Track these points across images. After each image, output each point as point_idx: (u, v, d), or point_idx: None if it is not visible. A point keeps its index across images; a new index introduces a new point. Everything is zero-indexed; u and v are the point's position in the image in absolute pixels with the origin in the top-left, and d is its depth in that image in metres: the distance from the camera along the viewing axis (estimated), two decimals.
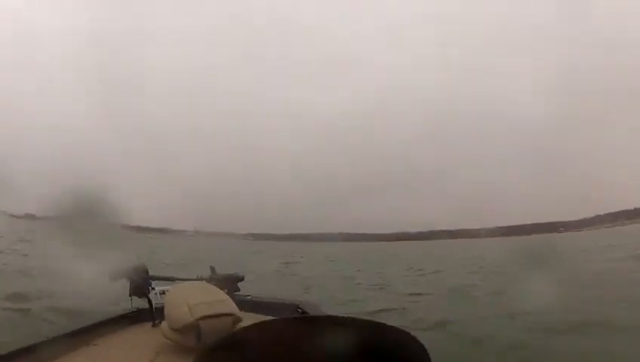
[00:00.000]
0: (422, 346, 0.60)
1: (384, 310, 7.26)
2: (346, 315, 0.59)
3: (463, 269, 15.16)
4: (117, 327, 2.31)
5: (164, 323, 2.02)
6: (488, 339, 5.34)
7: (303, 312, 2.51)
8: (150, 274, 2.66)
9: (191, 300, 1.93)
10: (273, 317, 0.65)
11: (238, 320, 1.90)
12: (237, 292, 2.73)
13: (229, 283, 2.76)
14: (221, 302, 2.00)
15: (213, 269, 2.91)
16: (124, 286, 2.58)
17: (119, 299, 2.71)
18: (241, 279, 2.93)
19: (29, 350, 1.75)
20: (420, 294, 9.37)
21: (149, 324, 2.37)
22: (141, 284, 2.53)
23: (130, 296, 2.53)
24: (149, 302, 2.48)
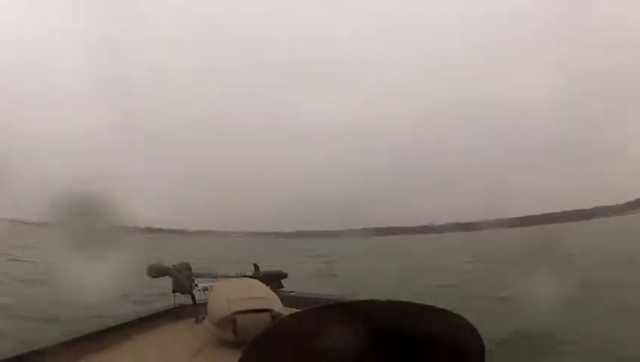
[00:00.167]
0: (475, 330, 0.58)
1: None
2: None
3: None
4: (160, 323, 2.32)
5: (206, 319, 2.03)
6: None
7: None
8: (193, 271, 2.67)
9: (231, 295, 1.94)
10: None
11: (278, 315, 1.85)
12: (281, 289, 2.74)
13: (273, 280, 2.76)
14: (261, 298, 1.97)
15: (256, 266, 2.93)
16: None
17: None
18: (285, 276, 2.96)
19: (69, 344, 1.76)
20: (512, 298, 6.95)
21: (192, 320, 2.37)
22: (183, 281, 2.54)
23: (173, 292, 2.55)
24: (193, 298, 2.51)
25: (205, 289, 2.51)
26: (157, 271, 2.56)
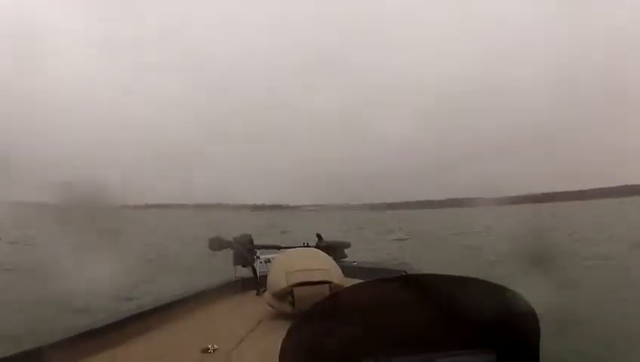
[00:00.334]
0: (530, 306, 0.60)
1: None
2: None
3: None
4: (221, 295, 2.34)
5: (266, 291, 2.02)
6: None
7: None
8: (255, 243, 2.66)
9: (289, 267, 1.92)
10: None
11: (338, 287, 1.79)
12: (343, 259, 2.67)
13: (336, 251, 2.69)
14: (319, 269, 1.92)
15: (319, 236, 2.88)
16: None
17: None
18: (348, 246, 2.90)
19: (137, 317, 1.82)
20: None
21: (252, 293, 2.38)
22: (245, 254, 2.54)
23: (234, 265, 2.56)
24: (254, 270, 2.51)
25: (267, 261, 2.49)
26: (218, 245, 2.59)
